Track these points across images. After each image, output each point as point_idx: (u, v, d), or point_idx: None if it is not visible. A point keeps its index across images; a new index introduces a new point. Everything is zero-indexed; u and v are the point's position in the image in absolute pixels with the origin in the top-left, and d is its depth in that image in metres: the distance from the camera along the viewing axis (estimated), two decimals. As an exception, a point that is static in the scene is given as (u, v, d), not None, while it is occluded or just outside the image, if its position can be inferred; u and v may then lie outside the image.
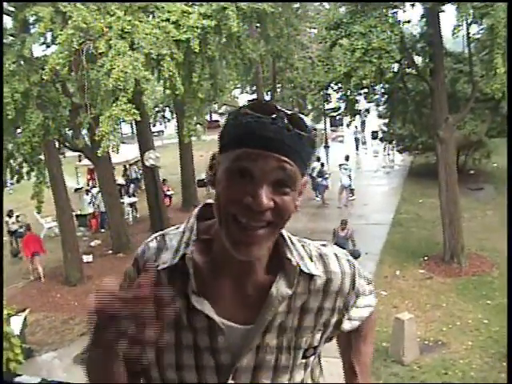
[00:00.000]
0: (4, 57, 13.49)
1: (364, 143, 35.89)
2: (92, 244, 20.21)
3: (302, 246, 1.40)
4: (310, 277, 1.35)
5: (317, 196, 22.97)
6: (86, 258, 18.01)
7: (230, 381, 1.31)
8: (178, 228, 1.41)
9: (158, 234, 1.42)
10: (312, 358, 1.42)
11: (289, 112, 1.19)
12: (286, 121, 1.17)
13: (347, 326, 1.48)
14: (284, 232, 1.36)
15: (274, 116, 1.17)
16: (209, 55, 14.79)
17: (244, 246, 1.19)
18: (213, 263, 1.33)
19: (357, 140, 35.06)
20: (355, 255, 12.46)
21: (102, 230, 20.94)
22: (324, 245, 1.47)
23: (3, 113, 13.03)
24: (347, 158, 23.42)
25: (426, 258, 16.01)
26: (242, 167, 1.17)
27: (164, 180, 24.11)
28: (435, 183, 16.62)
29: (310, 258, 1.38)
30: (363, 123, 36.21)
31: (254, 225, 1.18)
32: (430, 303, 13.35)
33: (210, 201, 1.38)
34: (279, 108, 1.19)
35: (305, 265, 1.34)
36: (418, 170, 27.01)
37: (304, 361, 1.39)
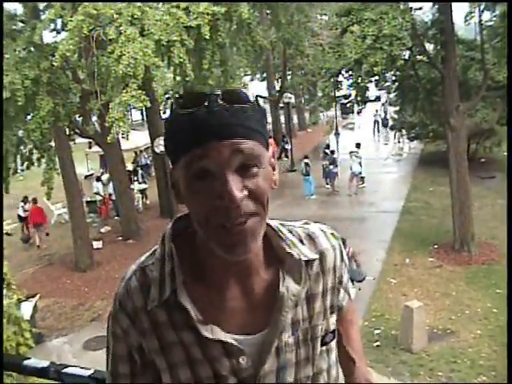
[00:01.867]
0: (14, 43, 13.50)
1: (378, 131, 35.76)
2: (102, 230, 20.31)
3: (290, 231, 1.30)
4: (307, 262, 1.27)
5: (327, 183, 22.95)
6: (96, 245, 18.07)
7: None
8: (153, 254, 1.26)
9: (134, 268, 1.26)
10: (333, 343, 1.36)
11: (219, 91, 1.09)
12: (220, 101, 1.06)
13: (344, 300, 1.39)
14: (269, 221, 1.25)
15: (206, 104, 1.06)
16: (219, 42, 14.73)
17: (239, 245, 1.10)
18: (208, 280, 1.23)
19: (376, 123, 34.95)
20: (360, 278, 11.90)
21: (116, 218, 20.98)
22: (307, 223, 1.38)
23: (11, 101, 13.01)
24: (358, 146, 23.36)
25: (435, 247, 15.97)
26: (197, 170, 1.07)
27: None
28: (446, 171, 16.56)
29: (301, 242, 1.30)
30: (384, 105, 36.05)
31: (240, 221, 1.07)
32: (440, 291, 13.33)
33: (180, 214, 1.29)
34: (209, 93, 1.08)
35: (300, 252, 1.26)
36: (429, 158, 26.88)
37: (325, 347, 1.33)
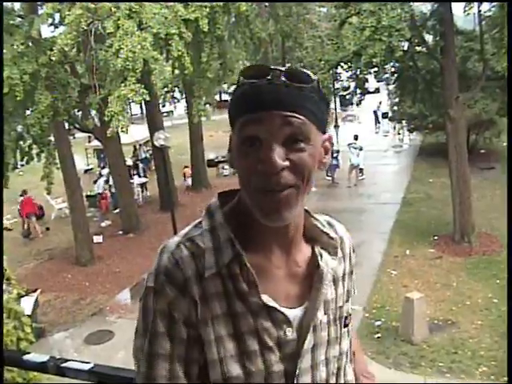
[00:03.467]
0: (12, 38, 13.44)
1: (378, 122, 35.66)
2: (102, 225, 20.32)
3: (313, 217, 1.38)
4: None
5: (327, 175, 22.93)
6: (97, 239, 18.08)
7: (299, 365, 1.25)
8: (196, 227, 1.28)
9: (178, 239, 1.25)
10: (350, 326, 1.40)
11: (284, 68, 1.16)
12: (282, 78, 1.14)
13: (353, 285, 1.45)
14: None
15: (268, 77, 1.14)
16: (218, 35, 14.72)
17: (274, 212, 1.15)
18: (255, 247, 1.25)
19: (376, 114, 34.87)
20: None
21: (116, 211, 20.98)
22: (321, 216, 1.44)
23: (9, 94, 12.98)
24: (356, 138, 23.34)
25: (435, 238, 15.98)
26: (248, 135, 1.15)
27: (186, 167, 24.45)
28: (445, 162, 16.55)
29: (328, 225, 1.39)
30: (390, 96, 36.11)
31: (277, 188, 1.14)
32: (440, 282, 13.35)
33: (221, 190, 1.34)
34: (274, 67, 1.16)
35: (329, 233, 1.34)
36: (429, 150, 26.86)
37: (345, 329, 1.37)
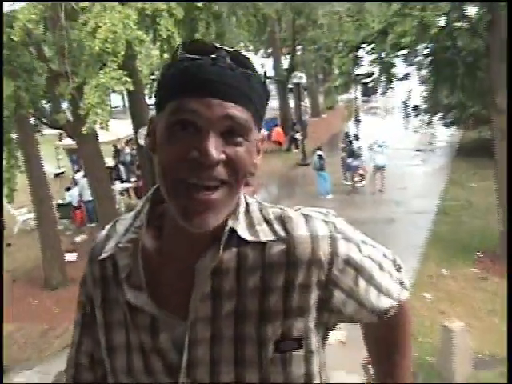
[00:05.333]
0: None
1: (408, 115, 35.65)
2: (77, 240, 20.20)
3: (260, 209, 1.39)
4: (262, 246, 1.33)
5: (345, 179, 22.84)
6: (70, 257, 17.97)
7: (182, 379, 1.33)
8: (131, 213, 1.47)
9: (114, 220, 1.51)
10: (297, 354, 1.35)
11: (231, 49, 1.21)
12: (228, 60, 1.19)
13: (350, 309, 1.42)
14: (244, 200, 1.39)
15: (213, 56, 1.18)
16: (215, 11, 14.71)
17: (198, 215, 1.19)
18: (163, 249, 1.37)
19: (405, 105, 34.85)
20: None
21: (92, 224, 20.91)
22: (298, 209, 1.43)
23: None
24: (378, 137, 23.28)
25: (479, 254, 15.86)
26: (183, 119, 1.18)
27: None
28: (490, 163, 16.44)
29: (267, 222, 1.36)
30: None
31: (207, 184, 1.18)
32: (485, 309, 13.22)
33: None
34: (219, 46, 1.20)
35: (249, 230, 1.34)
36: (469, 147, 26.78)
37: (279, 355, 1.33)
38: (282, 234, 1.33)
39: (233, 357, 1.32)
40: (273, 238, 1.33)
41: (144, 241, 1.38)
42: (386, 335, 1.59)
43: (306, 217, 1.38)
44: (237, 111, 1.18)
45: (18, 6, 14.41)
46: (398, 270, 1.55)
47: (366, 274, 1.42)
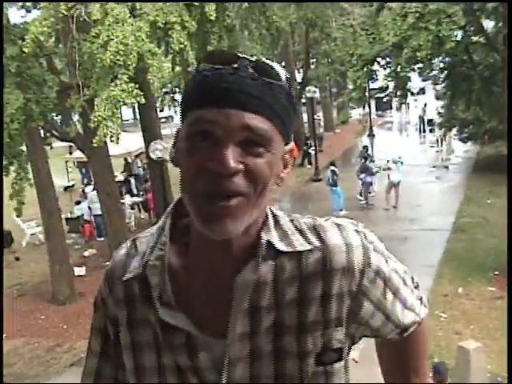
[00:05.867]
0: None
1: (423, 131, 35.59)
2: (85, 254, 20.24)
3: (291, 220, 1.38)
4: (299, 256, 1.32)
5: (360, 195, 22.79)
6: (78, 271, 18.03)
7: None
8: (152, 229, 1.43)
9: (131, 238, 1.46)
10: (338, 366, 1.37)
11: (254, 58, 1.21)
12: (250, 69, 1.19)
13: (377, 322, 1.42)
14: (276, 211, 1.38)
15: (234, 65, 1.18)
16: (227, 24, 14.72)
17: (216, 220, 1.18)
18: (190, 265, 1.35)
19: (421, 120, 34.81)
20: None
21: (101, 239, 20.93)
22: (328, 219, 1.42)
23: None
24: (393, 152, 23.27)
25: (496, 273, 15.75)
26: (202, 130, 1.18)
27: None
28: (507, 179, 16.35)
29: (300, 232, 1.35)
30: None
31: (225, 193, 1.17)
32: (502, 329, 13.08)
33: None
34: (242, 56, 1.20)
35: (286, 242, 1.32)
36: (486, 164, 26.67)
37: (321, 368, 1.34)
38: (317, 243, 1.33)
39: (273, 372, 1.32)
40: (309, 247, 1.32)
41: (170, 257, 1.35)
42: (402, 352, 1.57)
43: (338, 226, 1.38)
44: (257, 121, 1.17)
45: (29, 17, 14.55)
46: (416, 287, 1.56)
47: (394, 287, 1.43)
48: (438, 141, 31.89)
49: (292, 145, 1.30)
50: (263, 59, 1.23)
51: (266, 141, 1.19)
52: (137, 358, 1.38)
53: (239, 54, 1.21)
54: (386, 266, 1.41)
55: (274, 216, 1.37)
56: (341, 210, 21.38)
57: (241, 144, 1.17)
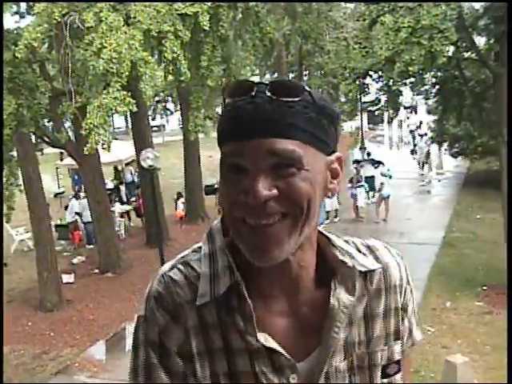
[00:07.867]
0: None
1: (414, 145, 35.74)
2: (74, 261, 20.19)
3: (346, 241, 1.42)
4: (365, 275, 1.37)
5: (356, 208, 22.77)
6: (66, 278, 17.98)
7: None
8: (195, 251, 1.38)
9: (172, 263, 1.37)
10: (398, 376, 1.42)
11: (271, 80, 1.21)
12: (267, 93, 1.18)
13: (407, 338, 1.47)
14: (324, 231, 1.40)
15: (252, 93, 1.19)
16: (221, 34, 14.74)
17: (261, 251, 1.20)
18: (258, 286, 1.32)
19: (413, 135, 34.95)
20: None
21: (91, 246, 20.87)
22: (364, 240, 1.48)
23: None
24: (377, 162, 23.27)
25: (484, 288, 15.78)
26: (232, 163, 1.20)
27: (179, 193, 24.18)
28: (497, 195, 16.42)
29: (359, 251, 1.40)
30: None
31: (264, 223, 1.18)
32: (490, 344, 13.10)
33: None
34: (258, 82, 1.21)
35: (357, 262, 1.36)
36: (476, 179, 26.90)
37: (386, 380, 1.40)
38: (377, 262, 1.40)
39: None
40: (378, 266, 1.39)
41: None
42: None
43: (386, 247, 1.46)
44: (281, 144, 1.17)
45: (23, 23, 14.52)
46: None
47: (414, 304, 1.50)
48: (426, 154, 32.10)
49: (338, 154, 1.30)
50: (281, 78, 1.26)
51: (294, 160, 1.18)
52: None
53: (255, 81, 1.21)
54: (411, 281, 1.49)
55: (324, 235, 1.40)
56: (321, 224, 21.33)
57: (272, 169, 1.17)
